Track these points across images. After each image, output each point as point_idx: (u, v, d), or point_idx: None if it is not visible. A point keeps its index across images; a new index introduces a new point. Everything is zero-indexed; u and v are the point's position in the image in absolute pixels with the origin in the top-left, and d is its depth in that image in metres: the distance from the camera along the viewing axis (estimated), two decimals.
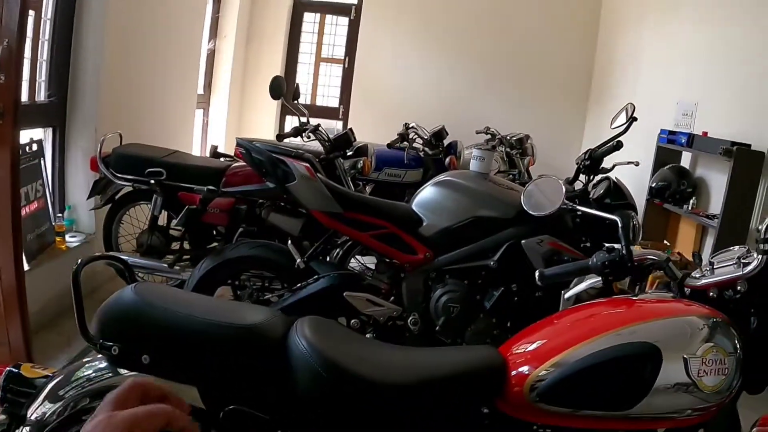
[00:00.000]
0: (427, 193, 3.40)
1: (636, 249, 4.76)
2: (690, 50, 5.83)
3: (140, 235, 4.32)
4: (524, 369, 1.69)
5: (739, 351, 1.62)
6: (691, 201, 5.21)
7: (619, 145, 3.73)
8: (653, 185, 5.42)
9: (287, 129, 8.26)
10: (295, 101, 5.03)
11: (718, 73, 5.29)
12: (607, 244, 1.98)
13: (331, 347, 1.64)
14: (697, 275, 1.87)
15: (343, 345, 1.73)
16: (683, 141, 5.25)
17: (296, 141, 4.96)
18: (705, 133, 5.07)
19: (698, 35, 5.70)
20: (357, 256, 4.24)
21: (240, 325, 1.64)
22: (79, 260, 1.68)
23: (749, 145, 4.59)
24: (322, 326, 1.74)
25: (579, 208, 2.41)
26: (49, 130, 4.45)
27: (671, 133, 5.53)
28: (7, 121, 3.01)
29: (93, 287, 4.42)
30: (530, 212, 2.58)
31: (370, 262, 4.19)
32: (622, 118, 3.72)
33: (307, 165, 3.29)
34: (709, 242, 5.07)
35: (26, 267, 3.58)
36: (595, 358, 1.62)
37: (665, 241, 5.64)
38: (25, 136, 4.03)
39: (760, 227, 1.75)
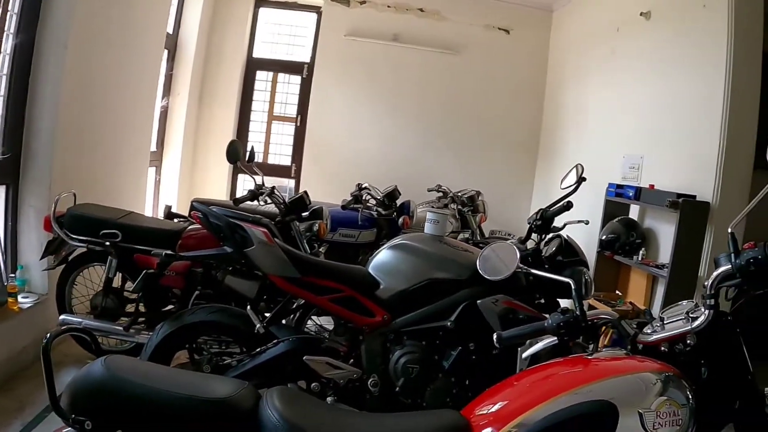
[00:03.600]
0: (383, 256, 3.46)
1: (591, 302, 4.87)
2: (634, 105, 6.03)
3: (94, 297, 4.29)
4: (488, 431, 1.75)
5: (691, 401, 1.70)
6: (641, 252, 5.35)
7: (569, 206, 3.85)
8: (603, 238, 5.53)
9: (240, 187, 8.32)
10: (250, 163, 5.07)
11: (663, 127, 5.49)
12: (561, 305, 2.04)
13: (301, 417, 1.68)
14: (649, 331, 1.97)
15: (313, 414, 1.76)
16: (631, 194, 5.41)
17: (252, 203, 4.99)
18: (652, 186, 5.25)
19: (642, 90, 5.91)
20: (313, 317, 4.25)
21: (212, 399, 1.66)
22: (48, 334, 1.69)
23: (694, 196, 4.77)
24: (291, 396, 1.78)
25: (533, 271, 2.48)
26: (2, 188, 4.37)
27: (619, 186, 5.69)
28: None
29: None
30: (486, 276, 2.64)
31: (326, 322, 4.20)
32: (572, 179, 3.85)
33: (265, 230, 3.31)
34: (660, 291, 5.20)
35: None
36: (556, 417, 1.69)
37: (617, 292, 5.78)
38: None
39: (706, 283, 1.85)
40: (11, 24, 4.17)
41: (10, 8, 4.10)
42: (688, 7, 5.25)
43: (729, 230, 1.85)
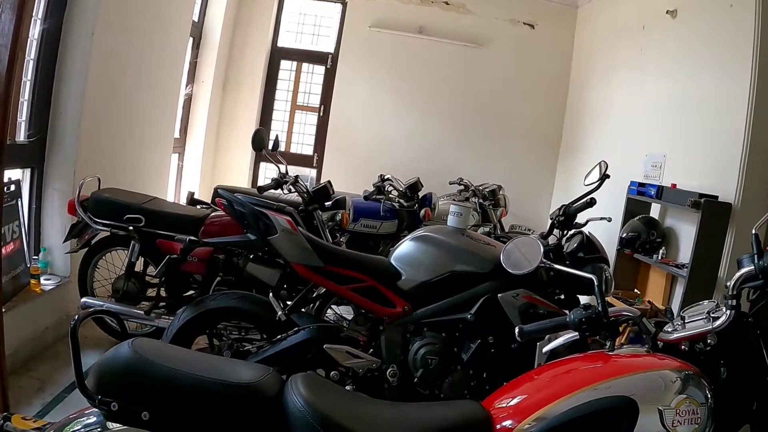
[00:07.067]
0: (405, 247, 3.45)
1: (610, 300, 4.88)
2: (658, 103, 5.98)
3: (116, 280, 4.32)
4: (508, 423, 1.76)
5: (710, 400, 1.71)
6: (661, 251, 5.33)
7: (592, 202, 3.84)
8: (623, 236, 5.51)
9: (261, 175, 8.34)
10: (275, 152, 5.09)
11: (686, 126, 5.45)
12: (582, 301, 2.04)
13: (326, 404, 1.70)
14: (670, 329, 1.97)
15: (337, 401, 1.78)
16: (652, 193, 5.38)
17: (275, 192, 5.02)
18: (674, 185, 5.21)
19: (666, 89, 5.86)
20: (333, 306, 4.27)
21: (238, 383, 1.67)
22: (77, 315, 1.70)
23: (716, 197, 4.73)
24: (315, 383, 1.79)
25: (556, 266, 2.48)
26: (27, 171, 4.39)
27: (641, 185, 5.66)
28: None
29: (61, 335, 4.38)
30: (510, 270, 2.64)
31: (345, 312, 4.22)
32: (595, 175, 3.84)
33: (289, 218, 3.32)
34: (679, 291, 5.16)
35: None
36: (575, 412, 1.70)
37: (636, 290, 5.76)
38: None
39: (728, 283, 1.85)
40: (39, 9, 4.18)
41: None
42: (715, 6, 5.20)
43: (753, 231, 1.85)
